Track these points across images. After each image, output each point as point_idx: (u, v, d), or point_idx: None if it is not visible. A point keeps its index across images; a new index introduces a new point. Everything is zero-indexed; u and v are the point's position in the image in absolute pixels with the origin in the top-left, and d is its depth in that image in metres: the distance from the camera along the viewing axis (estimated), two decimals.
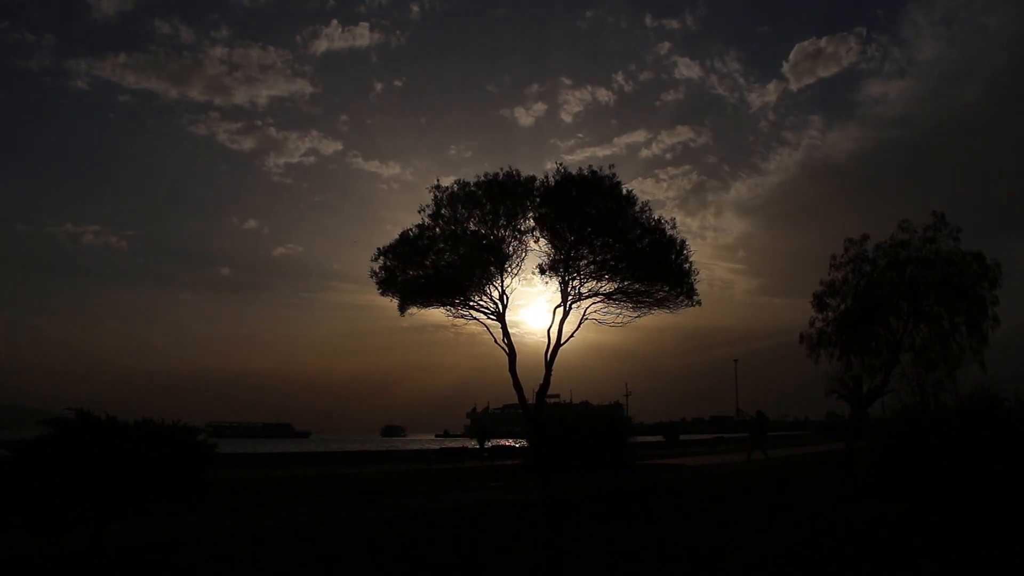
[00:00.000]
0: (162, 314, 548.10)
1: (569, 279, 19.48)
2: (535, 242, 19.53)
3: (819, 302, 30.33)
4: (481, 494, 20.13)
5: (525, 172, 19.30)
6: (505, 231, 19.17)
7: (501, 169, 19.17)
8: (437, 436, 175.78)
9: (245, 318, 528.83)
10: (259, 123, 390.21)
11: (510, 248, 19.34)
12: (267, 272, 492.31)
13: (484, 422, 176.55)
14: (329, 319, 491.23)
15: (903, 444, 17.95)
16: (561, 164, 19.34)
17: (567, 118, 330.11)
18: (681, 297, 20.11)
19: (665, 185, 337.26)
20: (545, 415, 24.15)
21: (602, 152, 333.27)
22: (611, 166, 19.17)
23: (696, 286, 20.05)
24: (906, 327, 28.54)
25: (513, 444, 47.10)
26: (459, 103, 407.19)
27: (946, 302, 27.46)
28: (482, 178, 19.09)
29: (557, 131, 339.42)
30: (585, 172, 18.93)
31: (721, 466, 32.23)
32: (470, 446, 46.46)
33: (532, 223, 19.27)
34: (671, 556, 9.54)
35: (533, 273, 19.73)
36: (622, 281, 19.74)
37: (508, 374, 19.93)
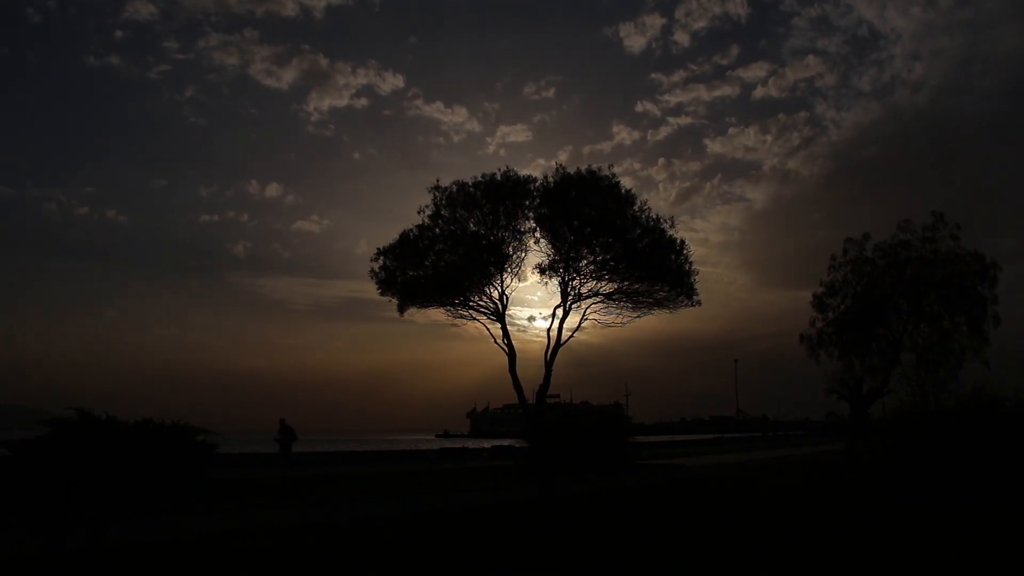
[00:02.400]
0: (167, 304, 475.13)
1: (569, 279, 19.53)
2: (534, 242, 19.63)
3: (819, 303, 30.40)
4: (480, 495, 20.11)
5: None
6: (504, 232, 19.23)
7: (499, 170, 19.32)
8: (437, 436, 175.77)
9: (253, 310, 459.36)
10: (307, 47, 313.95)
11: (509, 248, 19.39)
12: (283, 253, 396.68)
13: (484, 422, 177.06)
14: (342, 313, 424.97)
15: (903, 444, 17.96)
16: (560, 164, 19.49)
17: (683, 40, 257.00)
18: (681, 297, 20.13)
19: (770, 139, 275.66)
20: (545, 415, 24.16)
21: (710, 94, 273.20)
22: (610, 166, 19.28)
23: (696, 286, 20.08)
24: (906, 327, 28.60)
25: (514, 444, 47.02)
26: (556, 16, 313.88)
27: (946, 302, 27.51)
28: (480, 178, 19.18)
29: (665, 60, 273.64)
30: (584, 172, 19.02)
31: (720, 466, 32.22)
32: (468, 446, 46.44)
33: (532, 223, 19.35)
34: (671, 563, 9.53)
35: (533, 273, 19.79)
36: (622, 281, 19.78)
37: (508, 374, 19.99)
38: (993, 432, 16.09)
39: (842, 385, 30.20)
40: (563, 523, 13.14)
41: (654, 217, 19.23)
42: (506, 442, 52.43)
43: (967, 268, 27.18)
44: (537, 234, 19.43)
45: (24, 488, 8.18)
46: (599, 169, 19.03)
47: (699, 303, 20.43)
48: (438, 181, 19.69)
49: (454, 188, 19.30)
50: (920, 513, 13.18)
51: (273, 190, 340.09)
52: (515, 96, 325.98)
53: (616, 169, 18.94)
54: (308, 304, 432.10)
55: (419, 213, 19.73)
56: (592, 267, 19.43)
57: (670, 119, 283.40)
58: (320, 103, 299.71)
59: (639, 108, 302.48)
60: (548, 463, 21.98)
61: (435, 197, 19.47)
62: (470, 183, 19.17)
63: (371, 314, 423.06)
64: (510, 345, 19.84)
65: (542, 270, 19.46)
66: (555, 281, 19.64)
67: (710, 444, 65.27)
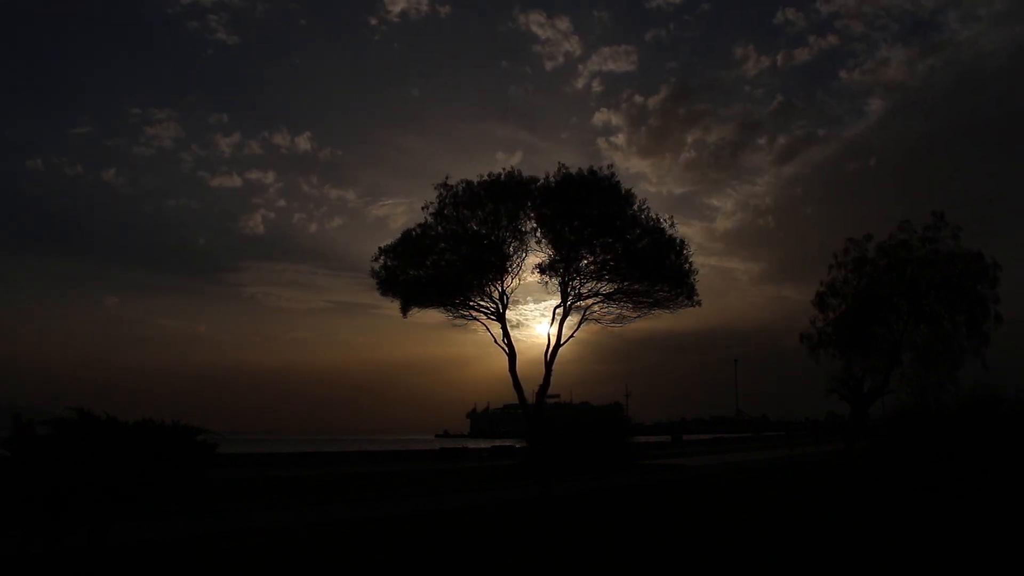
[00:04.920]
0: (171, 292, 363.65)
1: (569, 279, 19.56)
2: (536, 242, 19.67)
3: (820, 302, 30.40)
4: (480, 495, 20.10)
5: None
6: (506, 232, 19.29)
7: (504, 169, 19.40)
8: (437, 436, 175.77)
9: (262, 301, 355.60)
10: None
11: (511, 248, 19.44)
12: (307, 226, 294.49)
13: (484, 422, 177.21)
14: (355, 306, 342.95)
15: (905, 443, 17.98)
16: (562, 164, 19.52)
17: None
18: (681, 298, 20.15)
19: (923, 68, 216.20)
20: (545, 415, 24.17)
21: (871, 4, 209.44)
22: (610, 165, 19.33)
23: (696, 286, 20.10)
24: (906, 327, 28.61)
25: (514, 444, 47.06)
26: None
27: (946, 302, 27.52)
28: (485, 178, 19.30)
29: None
30: (584, 172, 19.08)
31: (720, 466, 32.19)
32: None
33: (533, 223, 19.41)
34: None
35: (533, 273, 19.83)
36: (622, 281, 19.80)
37: (508, 374, 20.01)
38: (994, 431, 16.12)
39: (842, 385, 30.21)
40: (562, 523, 13.13)
41: (654, 217, 19.32)
42: (506, 442, 52.48)
43: (967, 268, 27.20)
44: (538, 234, 19.51)
45: (24, 488, 8.17)
46: (600, 169, 19.19)
47: (699, 303, 20.46)
48: (447, 178, 19.70)
49: (459, 187, 19.43)
50: (921, 513, 13.17)
51: (304, 142, 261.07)
52: (631, 2, 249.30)
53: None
54: (323, 297, 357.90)
55: (423, 211, 19.86)
56: (592, 267, 19.47)
57: (811, 38, 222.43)
58: (392, 9, 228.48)
59: (778, 19, 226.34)
60: (548, 463, 21.99)
61: (440, 195, 19.59)
62: (475, 182, 19.32)
63: (377, 308, 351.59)
64: (510, 345, 19.89)
65: (542, 270, 19.51)
66: (555, 281, 19.68)
67: (710, 444, 65.25)
